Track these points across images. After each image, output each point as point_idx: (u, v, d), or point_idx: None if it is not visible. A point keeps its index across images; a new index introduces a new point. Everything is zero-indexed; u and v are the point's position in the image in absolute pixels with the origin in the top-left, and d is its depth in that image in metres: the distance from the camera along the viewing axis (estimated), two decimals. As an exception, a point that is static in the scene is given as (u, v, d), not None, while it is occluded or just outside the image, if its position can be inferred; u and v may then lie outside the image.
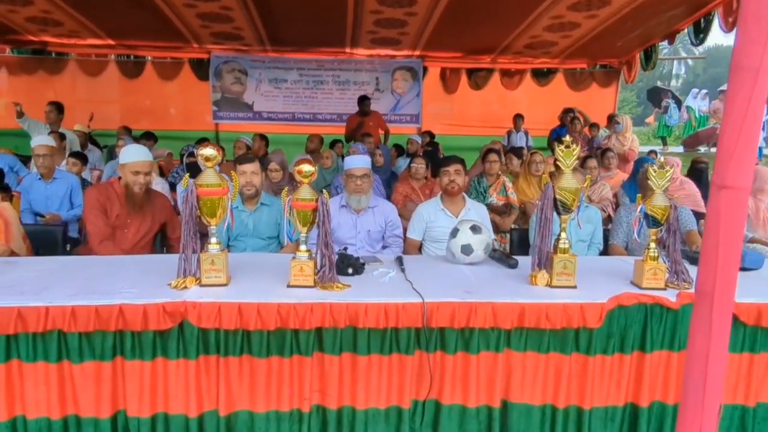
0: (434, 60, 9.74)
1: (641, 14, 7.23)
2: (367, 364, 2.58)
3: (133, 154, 3.54)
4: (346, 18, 7.45)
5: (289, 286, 2.66)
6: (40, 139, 4.82)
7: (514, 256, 3.15)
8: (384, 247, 3.81)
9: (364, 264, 2.94)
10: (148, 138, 7.56)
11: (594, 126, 9.33)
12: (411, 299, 2.55)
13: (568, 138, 2.89)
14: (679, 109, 17.85)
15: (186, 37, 8.48)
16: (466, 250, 3.09)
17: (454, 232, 3.14)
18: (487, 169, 5.51)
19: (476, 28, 7.90)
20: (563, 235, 2.80)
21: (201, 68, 9.46)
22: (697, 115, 17.09)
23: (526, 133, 9.53)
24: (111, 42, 8.79)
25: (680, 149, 16.57)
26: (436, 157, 6.81)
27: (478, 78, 10.00)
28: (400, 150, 8.10)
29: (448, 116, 10.09)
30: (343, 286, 2.66)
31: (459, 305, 2.55)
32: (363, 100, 8.60)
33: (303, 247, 2.70)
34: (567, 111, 9.35)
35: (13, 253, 3.29)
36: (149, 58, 9.42)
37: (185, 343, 2.49)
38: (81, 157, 5.64)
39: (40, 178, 4.69)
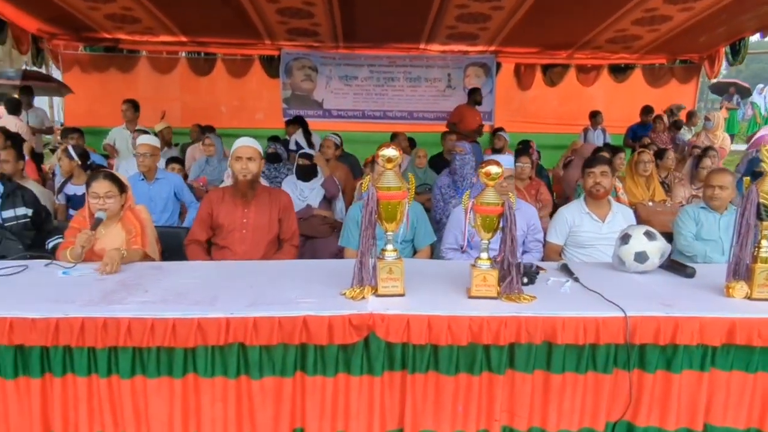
0: (508, 55, 9.46)
1: (738, 7, 6.88)
2: (561, 384, 2.36)
3: (238, 141, 3.47)
4: (429, 12, 7.24)
5: (470, 296, 2.46)
6: (144, 138, 4.70)
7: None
8: (524, 252, 3.59)
9: (538, 272, 2.73)
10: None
11: (676, 123, 8.95)
12: (610, 313, 2.33)
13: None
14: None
15: (259, 34, 8.37)
16: (641, 257, 2.84)
17: (625, 238, 2.90)
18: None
19: (561, 21, 7.62)
20: (765, 243, 2.54)
21: (271, 65, 9.34)
22: (762, 112, 16.44)
23: (604, 131, 9.18)
24: (183, 39, 8.73)
25: (743, 147, 15.95)
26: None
27: (553, 74, 9.69)
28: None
29: (522, 113, 9.79)
30: (531, 297, 2.44)
31: (663, 320, 2.33)
32: (476, 92, 8.45)
33: (484, 255, 2.49)
34: (648, 110, 8.97)
35: (147, 257, 3.15)
36: (219, 55, 9.33)
37: (370, 359, 2.31)
38: (180, 161, 5.55)
39: (143, 179, 4.57)
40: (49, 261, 2.95)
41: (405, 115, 9.48)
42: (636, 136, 9.11)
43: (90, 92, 9.10)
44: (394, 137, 7.32)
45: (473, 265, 2.49)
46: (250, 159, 3.33)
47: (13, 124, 7.13)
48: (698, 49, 9.18)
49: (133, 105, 7.26)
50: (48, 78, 8.63)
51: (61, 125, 9.53)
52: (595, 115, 9.17)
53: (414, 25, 7.96)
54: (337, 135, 6.35)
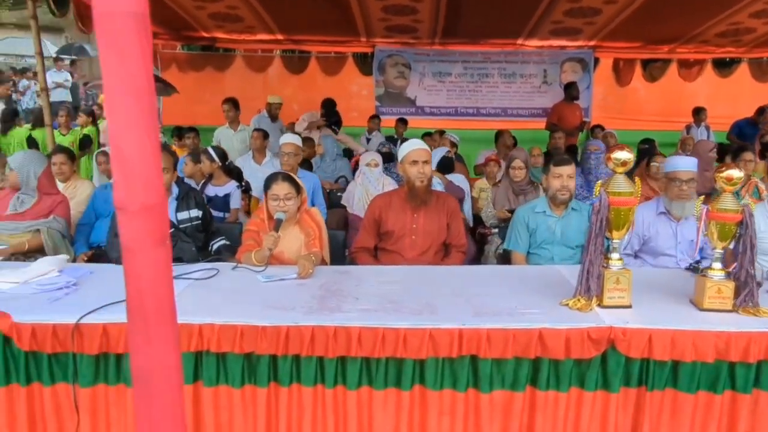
0: (607, 50, 9.14)
1: None
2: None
3: (411, 144, 3.37)
4: (537, 7, 7.03)
5: (702, 308, 2.31)
6: (288, 137, 4.69)
7: None
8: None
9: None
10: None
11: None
12: None
13: None
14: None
15: (357, 31, 8.32)
16: None
17: None
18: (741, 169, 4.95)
19: (674, 14, 7.28)
20: None
21: (364, 63, 9.29)
22: None
23: (708, 128, 8.78)
24: (279, 37, 8.75)
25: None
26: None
27: (653, 69, 9.31)
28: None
29: (620, 110, 9.46)
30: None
31: None
32: (572, 86, 8.27)
33: (718, 265, 2.33)
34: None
35: (324, 261, 3.10)
36: (314, 53, 9.34)
37: (607, 374, 2.18)
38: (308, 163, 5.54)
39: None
40: (235, 264, 2.94)
41: (499, 111, 9.29)
42: (742, 133, 8.67)
43: (186, 91, 9.22)
44: (499, 135, 7.15)
45: (703, 275, 2.34)
46: (426, 162, 3.24)
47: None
48: (812, 42, 8.68)
49: (234, 104, 7.30)
50: (156, 78, 8.78)
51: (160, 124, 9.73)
52: (699, 112, 8.77)
53: (517, 21, 7.75)
54: (453, 134, 6.24)
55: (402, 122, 8.62)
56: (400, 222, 3.29)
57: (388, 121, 8.99)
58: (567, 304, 2.33)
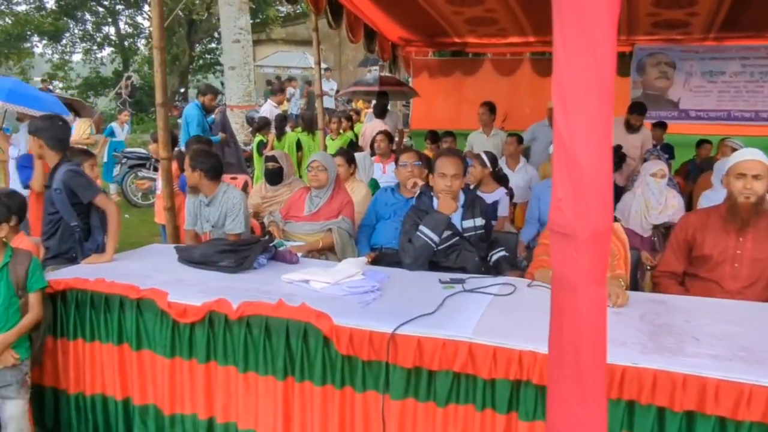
0: None
1: None
2: None
3: (741, 154, 2.81)
4: None
5: None
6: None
7: None
8: None
9: None
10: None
11: None
12: None
13: None
14: None
15: (621, 28, 7.69)
16: None
17: None
18: None
19: None
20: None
21: (621, 62, 8.58)
22: None
23: None
24: (531, 39, 8.47)
25: None
26: None
27: None
28: None
29: None
30: None
31: None
32: None
33: None
34: None
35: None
36: (565, 54, 8.89)
37: None
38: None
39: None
40: (529, 281, 2.74)
41: (784, 116, 7.96)
42: None
43: (435, 96, 9.40)
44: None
45: None
46: (756, 178, 2.71)
47: (379, 127, 7.59)
48: None
49: (490, 108, 7.16)
50: (399, 83, 9.11)
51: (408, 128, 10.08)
52: None
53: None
54: (736, 141, 5.41)
55: (660, 126, 7.78)
56: (721, 246, 2.80)
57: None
58: None
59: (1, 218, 2.50)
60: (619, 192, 4.61)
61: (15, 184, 4.94)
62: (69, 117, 7.79)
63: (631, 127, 6.25)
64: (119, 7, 20.93)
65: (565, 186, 0.91)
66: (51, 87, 17.13)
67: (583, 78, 0.90)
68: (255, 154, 7.66)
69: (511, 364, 1.99)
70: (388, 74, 9.43)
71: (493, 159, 4.51)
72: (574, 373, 0.96)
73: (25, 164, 4.52)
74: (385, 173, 6.06)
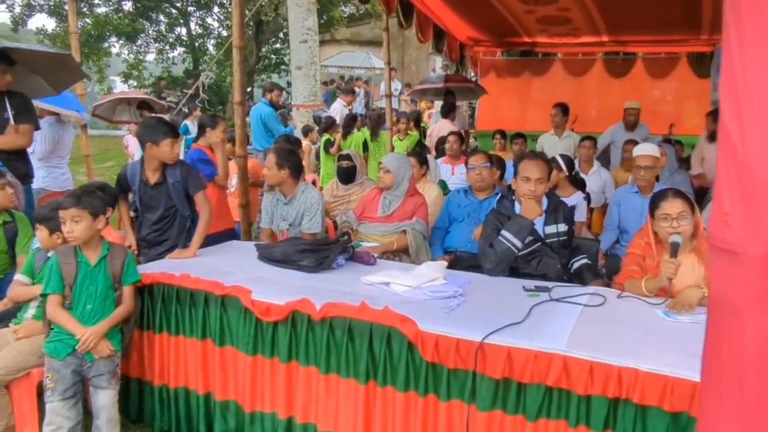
0: None
1: None
2: None
3: None
4: None
5: None
6: (645, 148, 4.22)
7: None
8: None
9: None
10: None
11: None
12: None
13: None
14: None
15: (697, 28, 7.37)
16: None
17: None
18: None
19: None
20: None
21: (701, 63, 8.24)
22: None
23: None
24: (604, 39, 8.22)
25: None
26: None
27: None
28: None
29: None
30: None
31: None
32: None
33: None
34: None
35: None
36: (640, 54, 8.60)
37: None
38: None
39: (637, 192, 4.10)
40: (618, 292, 2.62)
41: None
42: None
43: (502, 96, 9.26)
44: None
45: None
46: None
47: (447, 128, 7.52)
48: None
49: (563, 109, 6.98)
50: (465, 80, 9.00)
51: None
52: None
53: None
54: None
55: None
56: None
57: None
58: None
59: (99, 210, 2.59)
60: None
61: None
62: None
63: (715, 138, 5.96)
64: (191, 8, 21.55)
65: (734, 198, 0.83)
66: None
67: (764, 80, 0.82)
68: (322, 153, 7.72)
69: (610, 380, 1.91)
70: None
71: (569, 162, 4.37)
72: (737, 408, 0.88)
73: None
74: (454, 174, 6.00)
